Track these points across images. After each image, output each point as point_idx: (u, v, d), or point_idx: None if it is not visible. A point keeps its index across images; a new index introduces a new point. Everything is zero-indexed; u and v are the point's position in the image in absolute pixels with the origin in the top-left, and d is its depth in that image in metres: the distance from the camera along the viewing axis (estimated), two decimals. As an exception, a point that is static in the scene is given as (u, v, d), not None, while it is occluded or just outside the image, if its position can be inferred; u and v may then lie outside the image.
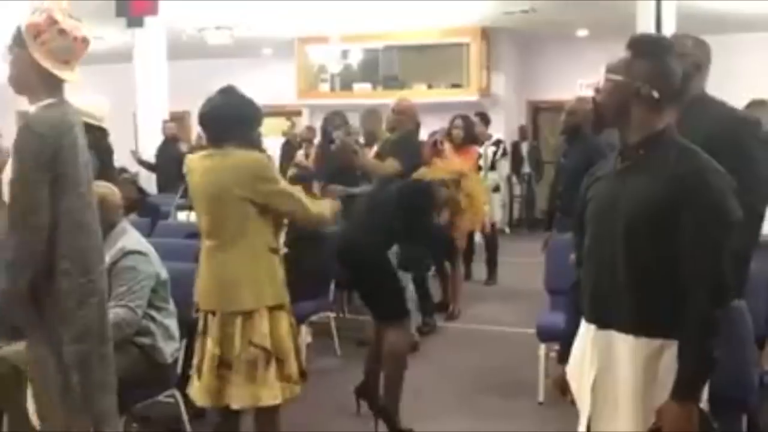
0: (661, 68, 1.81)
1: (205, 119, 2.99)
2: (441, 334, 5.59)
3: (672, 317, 1.74)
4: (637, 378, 1.77)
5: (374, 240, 3.67)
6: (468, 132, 6.38)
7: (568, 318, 2.10)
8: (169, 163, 8.03)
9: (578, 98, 4.88)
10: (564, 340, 2.08)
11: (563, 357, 2.06)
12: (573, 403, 2.00)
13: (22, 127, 2.26)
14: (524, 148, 11.16)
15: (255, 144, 3.01)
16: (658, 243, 1.75)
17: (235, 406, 2.87)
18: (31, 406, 2.54)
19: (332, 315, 5.06)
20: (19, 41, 2.27)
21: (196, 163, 3.00)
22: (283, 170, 5.47)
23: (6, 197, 2.31)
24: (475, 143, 6.71)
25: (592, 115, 4.32)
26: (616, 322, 1.81)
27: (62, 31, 2.26)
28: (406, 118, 4.82)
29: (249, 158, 2.87)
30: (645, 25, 7.11)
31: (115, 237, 3.14)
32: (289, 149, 9.10)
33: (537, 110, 12.36)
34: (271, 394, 2.84)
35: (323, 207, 3.23)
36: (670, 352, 1.74)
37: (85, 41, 2.35)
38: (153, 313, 3.18)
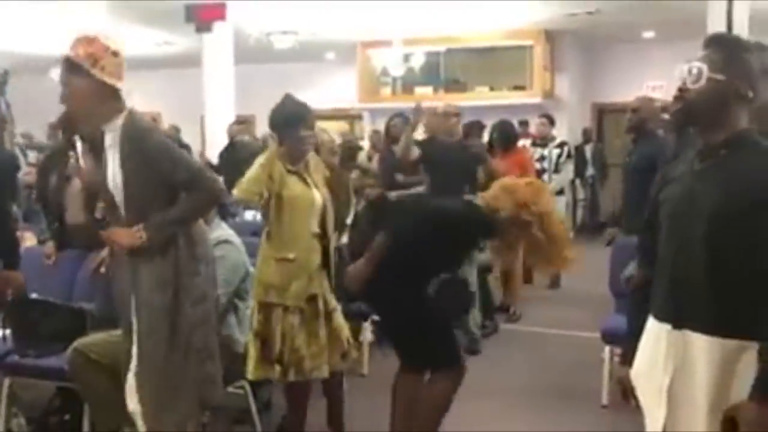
0: (752, 68, 1.79)
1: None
2: (503, 336, 5.57)
3: (752, 318, 1.71)
4: (715, 379, 1.75)
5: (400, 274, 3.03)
6: (503, 136, 6.12)
7: (630, 319, 2.08)
8: (234, 165, 8.23)
9: (641, 97, 4.81)
10: (627, 341, 2.06)
11: (626, 359, 2.05)
12: (637, 405, 1.98)
13: (131, 134, 2.53)
14: (588, 150, 10.99)
15: (295, 143, 3.17)
16: (740, 244, 1.73)
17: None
18: (130, 389, 2.65)
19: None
20: (78, 70, 2.50)
21: None
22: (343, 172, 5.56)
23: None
24: (515, 145, 6.29)
25: (678, 114, 4.25)
26: (694, 322, 1.79)
27: (115, 53, 2.55)
28: (459, 122, 4.89)
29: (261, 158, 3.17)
30: (715, 26, 6.93)
31: (212, 230, 3.30)
32: (348, 152, 9.17)
33: (602, 113, 12.17)
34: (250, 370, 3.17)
35: None
36: (749, 354, 1.72)
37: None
38: (237, 302, 3.34)
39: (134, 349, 2.62)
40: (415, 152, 5.03)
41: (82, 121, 2.66)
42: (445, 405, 3.11)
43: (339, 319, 3.29)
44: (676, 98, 1.86)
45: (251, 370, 3.19)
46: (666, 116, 4.01)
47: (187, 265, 2.60)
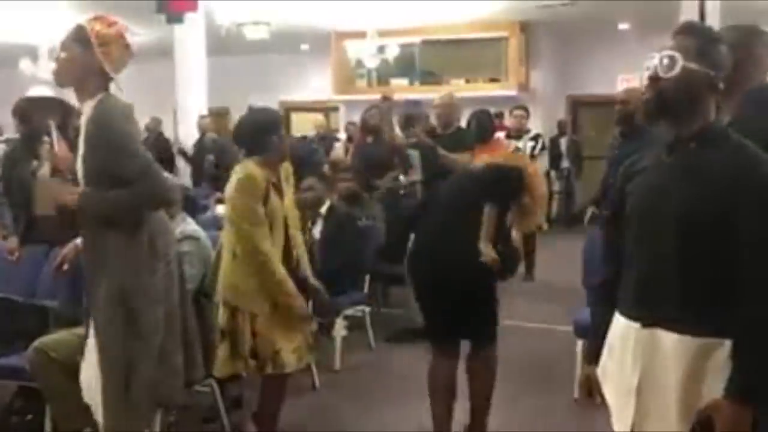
0: (724, 58, 1.75)
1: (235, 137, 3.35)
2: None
3: (724, 316, 1.68)
4: (686, 378, 1.71)
5: (466, 240, 3.11)
6: (481, 127, 6.13)
7: (595, 317, 2.04)
8: (203, 158, 8.17)
9: (629, 88, 4.78)
10: (593, 338, 2.02)
11: (591, 356, 2.00)
12: (603, 402, 1.95)
13: (96, 116, 2.50)
14: (563, 143, 11.02)
15: (275, 149, 3.15)
16: (712, 241, 1.70)
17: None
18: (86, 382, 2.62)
19: (367, 309, 5.06)
20: (84, 42, 2.51)
21: None
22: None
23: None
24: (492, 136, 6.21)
25: (649, 104, 4.22)
26: (664, 320, 1.76)
27: (126, 46, 2.57)
28: (457, 112, 4.85)
29: (240, 174, 3.11)
30: (689, 18, 6.96)
31: (176, 224, 3.28)
32: (324, 144, 9.13)
33: (577, 105, 12.20)
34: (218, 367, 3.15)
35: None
36: (720, 352, 1.69)
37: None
38: (201, 299, 3.28)
39: (90, 342, 2.58)
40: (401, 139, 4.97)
41: (65, 86, 2.65)
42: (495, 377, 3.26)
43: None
44: (648, 88, 1.80)
45: (219, 367, 3.14)
46: None
47: (145, 263, 2.54)
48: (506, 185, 3.21)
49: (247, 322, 3.07)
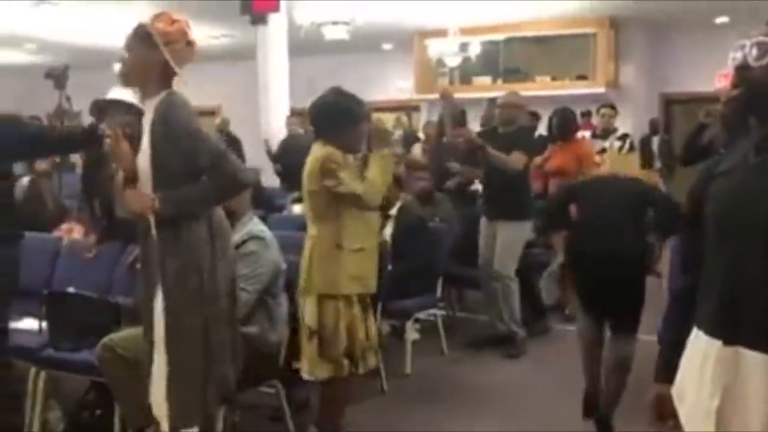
0: None
1: (309, 115, 3.27)
2: (554, 336, 5.34)
3: None
4: None
5: (636, 236, 3.47)
6: (562, 123, 5.77)
7: (670, 328, 1.85)
8: (291, 158, 8.17)
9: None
10: (665, 353, 1.83)
11: (663, 373, 1.80)
12: (676, 426, 1.76)
13: (164, 111, 2.51)
14: (655, 142, 10.54)
15: (346, 140, 3.11)
16: None
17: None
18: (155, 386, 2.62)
19: (440, 313, 4.94)
20: (148, 41, 2.53)
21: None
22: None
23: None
24: (574, 134, 5.94)
25: (737, 99, 3.95)
26: (749, 337, 1.57)
27: (190, 43, 2.58)
28: (520, 111, 4.72)
29: (320, 153, 3.08)
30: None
31: (243, 224, 3.28)
32: (404, 143, 9.03)
33: (670, 103, 11.66)
34: (308, 368, 3.11)
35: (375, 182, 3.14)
36: None
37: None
38: (268, 299, 3.25)
39: (155, 347, 2.59)
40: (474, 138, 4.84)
41: (132, 86, 2.70)
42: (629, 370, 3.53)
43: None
44: (736, 81, 1.62)
45: (310, 369, 3.11)
46: None
47: (207, 261, 2.54)
48: (677, 224, 3.30)
49: (342, 319, 3.06)
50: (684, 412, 1.74)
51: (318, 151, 3.11)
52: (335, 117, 3.12)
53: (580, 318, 3.69)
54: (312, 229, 3.16)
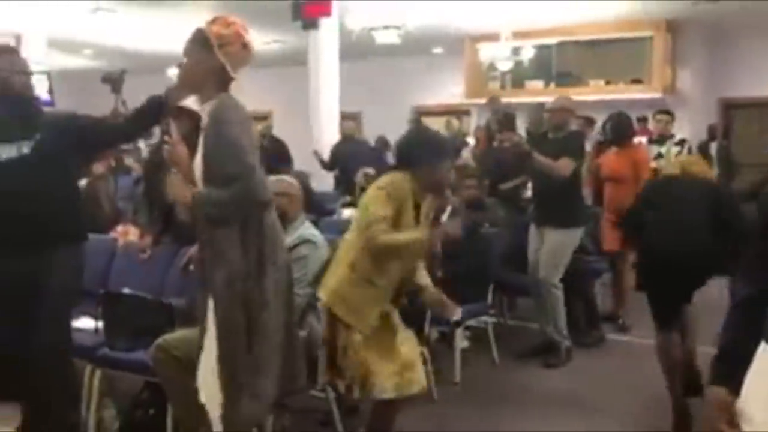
0: None
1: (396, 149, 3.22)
2: (609, 347, 5.21)
3: None
4: None
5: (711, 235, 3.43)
6: (616, 129, 5.63)
7: (728, 339, 1.76)
8: (346, 162, 8.15)
9: None
10: (719, 366, 1.74)
11: (721, 377, 1.72)
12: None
13: (215, 113, 2.52)
14: (713, 148, 10.25)
15: (420, 170, 2.94)
16: None
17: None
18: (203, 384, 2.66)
19: (491, 320, 4.87)
20: (205, 44, 2.54)
21: None
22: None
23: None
24: (630, 140, 5.79)
25: None
26: None
27: (245, 45, 2.59)
28: (570, 115, 4.64)
29: (386, 179, 2.95)
30: None
31: (295, 228, 3.31)
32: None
33: (729, 108, 11.33)
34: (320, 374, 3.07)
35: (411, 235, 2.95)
36: None
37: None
38: (317, 302, 3.23)
39: (205, 343, 2.63)
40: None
41: (190, 91, 2.72)
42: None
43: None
44: None
45: (320, 373, 3.10)
46: None
47: (254, 264, 2.55)
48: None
49: (343, 336, 2.96)
50: (749, 426, 1.65)
51: (384, 179, 2.96)
52: (420, 147, 2.99)
53: (661, 337, 3.65)
54: (351, 235, 3.04)
